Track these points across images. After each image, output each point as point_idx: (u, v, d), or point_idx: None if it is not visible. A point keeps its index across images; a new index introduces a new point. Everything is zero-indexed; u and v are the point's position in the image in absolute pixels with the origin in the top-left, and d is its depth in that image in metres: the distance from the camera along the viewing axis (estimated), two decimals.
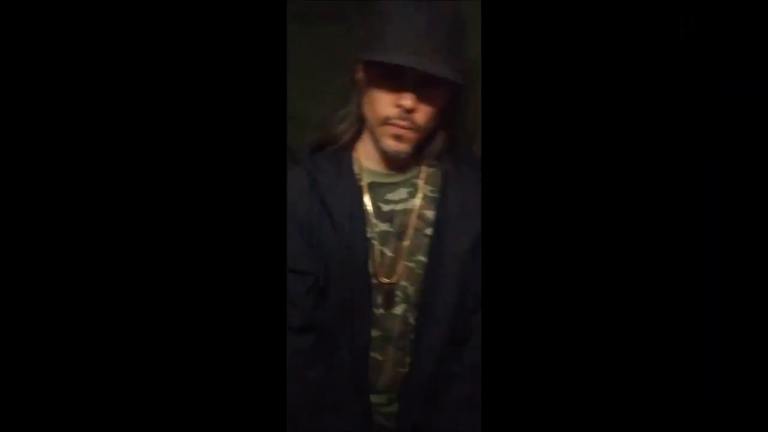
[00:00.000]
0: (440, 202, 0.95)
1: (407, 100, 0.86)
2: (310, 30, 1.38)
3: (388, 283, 0.92)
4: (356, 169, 0.97)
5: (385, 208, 0.95)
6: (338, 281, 0.92)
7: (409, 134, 0.90)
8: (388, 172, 0.96)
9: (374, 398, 0.95)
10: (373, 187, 0.96)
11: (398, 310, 0.93)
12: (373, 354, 0.93)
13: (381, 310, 0.93)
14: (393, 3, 0.87)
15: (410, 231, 0.94)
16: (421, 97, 0.87)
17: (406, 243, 0.93)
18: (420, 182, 0.96)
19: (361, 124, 0.96)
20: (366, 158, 0.97)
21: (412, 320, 0.93)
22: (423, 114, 0.89)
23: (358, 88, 0.94)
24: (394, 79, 0.86)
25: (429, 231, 0.94)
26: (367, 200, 0.95)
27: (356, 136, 0.97)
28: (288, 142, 0.90)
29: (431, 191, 0.96)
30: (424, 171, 0.97)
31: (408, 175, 0.97)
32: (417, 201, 0.95)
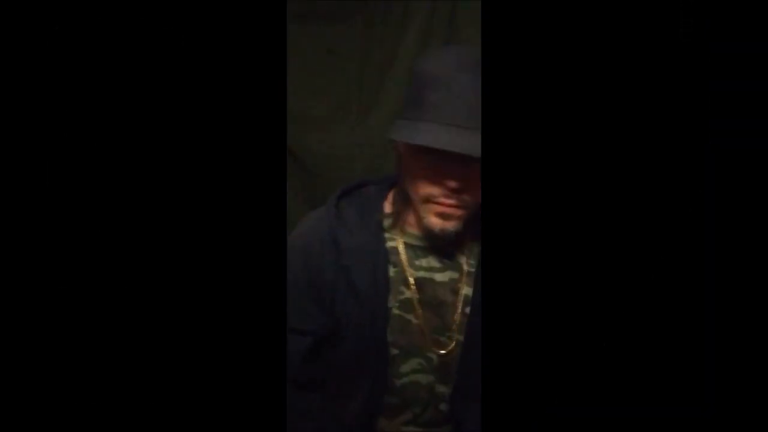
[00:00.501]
0: (477, 274, 0.85)
1: (452, 181, 0.76)
2: (310, 30, 1.39)
3: (442, 354, 0.84)
4: (386, 224, 0.86)
5: (415, 275, 0.84)
6: (351, 346, 0.84)
7: (458, 212, 0.79)
8: (428, 242, 0.85)
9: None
10: (406, 249, 0.85)
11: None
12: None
13: (405, 379, 0.85)
14: (434, 62, 0.76)
15: (440, 307, 0.85)
16: (471, 175, 0.75)
17: (435, 318, 0.84)
18: (456, 252, 0.86)
19: (404, 200, 0.84)
20: (404, 223, 0.86)
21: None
22: (473, 192, 0.78)
23: (398, 159, 0.83)
24: (435, 154, 0.74)
25: (467, 309, 0.85)
26: (396, 262, 0.84)
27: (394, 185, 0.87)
28: (288, 142, 0.90)
29: (470, 264, 0.85)
30: (466, 241, 0.85)
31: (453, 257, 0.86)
32: (453, 274, 0.85)
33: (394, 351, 0.84)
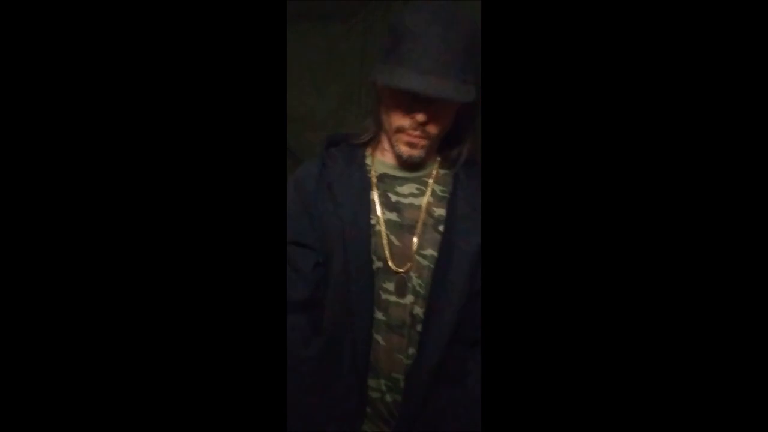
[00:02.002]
0: (450, 201, 0.98)
1: (419, 115, 0.91)
2: (310, 30, 1.38)
3: (399, 272, 0.95)
4: (369, 161, 1.01)
5: (393, 198, 0.98)
6: (341, 264, 0.94)
7: (422, 142, 0.95)
8: (401, 169, 1.01)
9: (372, 382, 0.95)
10: (383, 179, 1.00)
11: (407, 299, 0.95)
12: (375, 336, 0.95)
13: (391, 297, 0.95)
14: (408, 17, 0.90)
15: (419, 225, 0.97)
16: (434, 111, 0.92)
17: (415, 237, 0.96)
18: (430, 181, 1.00)
19: (379, 128, 1.01)
20: (381, 154, 1.02)
21: (419, 312, 0.94)
22: (436, 126, 0.94)
23: (377, 96, 0.99)
24: (407, 94, 0.89)
25: (440, 227, 0.97)
26: (375, 189, 0.99)
27: (374, 138, 1.02)
28: (288, 142, 0.91)
29: (441, 191, 1.00)
30: (436, 171, 1.01)
31: (419, 174, 1.01)
32: (426, 198, 0.99)
33: (378, 264, 0.96)
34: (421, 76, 0.87)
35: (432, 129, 0.94)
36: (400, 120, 0.93)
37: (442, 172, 1.01)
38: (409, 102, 0.91)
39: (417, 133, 0.93)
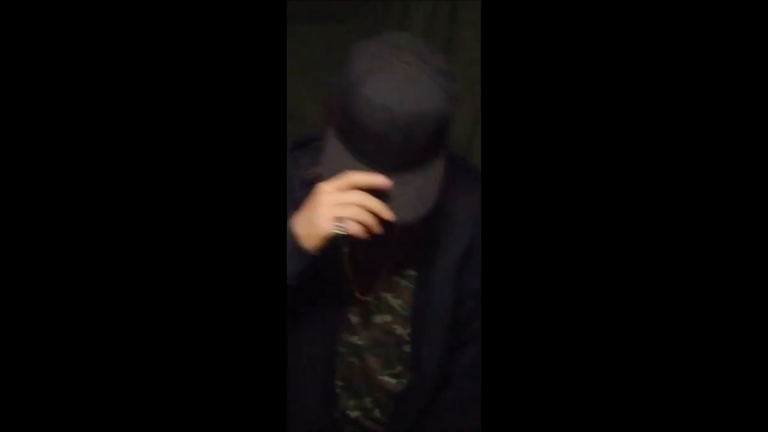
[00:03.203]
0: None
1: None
2: (310, 30, 1.38)
3: (362, 299, 0.89)
4: None
5: None
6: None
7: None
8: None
9: (353, 402, 0.93)
10: None
11: (378, 319, 0.90)
12: (350, 359, 0.91)
13: (357, 318, 0.91)
14: (366, 103, 0.72)
15: (390, 242, 0.86)
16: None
17: (386, 252, 0.88)
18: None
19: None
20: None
21: (400, 332, 0.90)
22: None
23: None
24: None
25: (408, 242, 0.88)
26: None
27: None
28: (288, 142, 0.90)
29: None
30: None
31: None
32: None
33: (345, 287, 0.89)
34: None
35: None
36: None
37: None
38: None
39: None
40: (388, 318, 0.91)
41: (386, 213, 0.73)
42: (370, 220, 0.73)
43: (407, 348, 0.91)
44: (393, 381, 0.92)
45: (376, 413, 0.94)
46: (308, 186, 0.81)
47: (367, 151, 0.74)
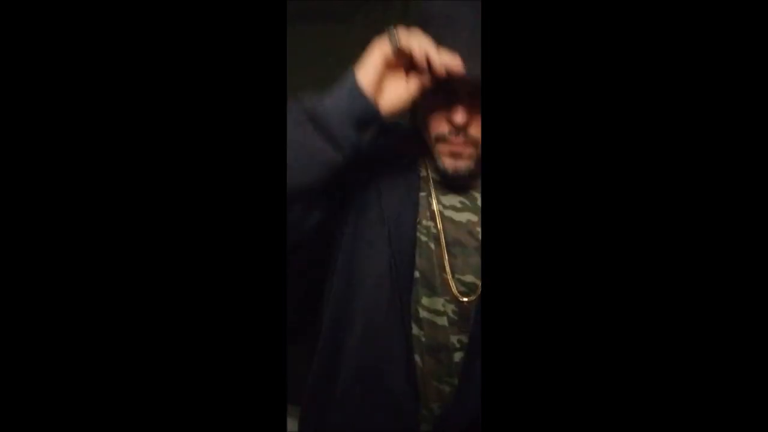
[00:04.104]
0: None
1: (458, 115, 0.77)
2: (310, 30, 1.38)
3: (459, 300, 0.84)
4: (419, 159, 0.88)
5: (435, 206, 0.86)
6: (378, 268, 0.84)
7: (468, 150, 0.80)
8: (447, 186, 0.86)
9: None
10: (430, 181, 0.87)
11: (443, 321, 0.85)
12: (414, 355, 0.85)
13: (426, 314, 0.85)
14: (432, 3, 0.78)
15: (457, 246, 0.85)
16: (475, 108, 0.78)
17: (453, 259, 0.85)
18: (479, 195, 0.86)
19: (418, 141, 0.86)
20: (430, 170, 0.87)
21: (455, 341, 0.85)
22: (480, 126, 0.78)
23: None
24: (443, 91, 0.77)
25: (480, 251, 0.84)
26: (421, 191, 0.86)
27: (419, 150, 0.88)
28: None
29: None
30: None
31: (468, 184, 0.87)
32: (468, 215, 0.86)
33: (416, 274, 0.84)
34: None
35: (477, 131, 0.79)
36: (438, 126, 0.80)
37: None
38: (445, 99, 0.78)
39: (460, 139, 0.79)
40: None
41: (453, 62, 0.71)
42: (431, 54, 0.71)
43: (457, 357, 0.85)
44: (449, 391, 0.85)
45: (422, 428, 0.87)
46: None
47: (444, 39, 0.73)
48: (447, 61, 0.71)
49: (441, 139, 0.80)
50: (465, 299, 0.83)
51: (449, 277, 0.84)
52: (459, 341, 0.85)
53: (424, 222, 0.86)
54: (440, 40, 0.74)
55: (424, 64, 0.72)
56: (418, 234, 0.85)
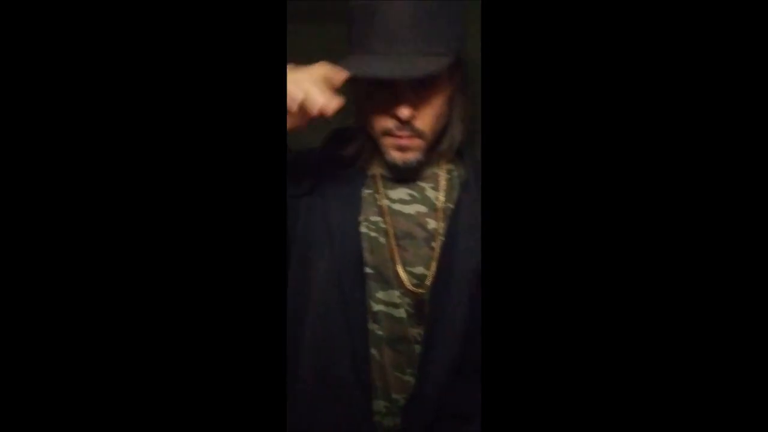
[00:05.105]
0: (453, 213, 0.86)
1: (403, 110, 0.78)
2: (310, 30, 1.38)
3: (414, 291, 0.84)
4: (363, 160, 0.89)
5: (383, 202, 0.87)
6: (326, 268, 0.85)
7: (415, 142, 0.82)
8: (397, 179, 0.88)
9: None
10: (376, 179, 0.89)
11: (401, 313, 0.86)
12: (372, 349, 0.86)
13: (383, 307, 0.86)
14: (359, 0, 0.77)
15: (406, 239, 0.86)
16: (419, 101, 0.79)
17: (403, 252, 0.86)
18: (427, 187, 0.88)
19: (365, 135, 0.87)
20: (377, 167, 0.89)
21: (415, 333, 0.86)
22: (425, 119, 0.81)
23: (353, 100, 0.85)
24: (385, 87, 0.78)
25: (433, 243, 0.86)
26: (366, 189, 0.88)
27: (364, 147, 0.89)
28: (288, 142, 0.90)
29: (440, 199, 0.87)
30: (437, 175, 0.88)
31: (417, 178, 0.89)
32: (417, 207, 0.87)
33: (368, 270, 0.85)
34: (394, 57, 0.74)
35: (422, 124, 0.81)
36: (383, 121, 0.81)
37: (446, 176, 0.88)
38: (385, 96, 0.79)
39: (406, 132, 0.80)
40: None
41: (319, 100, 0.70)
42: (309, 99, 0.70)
43: (418, 349, 0.86)
44: (409, 381, 0.86)
45: (386, 421, 0.88)
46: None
47: (363, 39, 0.75)
48: (321, 103, 0.71)
49: (387, 133, 0.81)
50: (419, 290, 0.84)
51: (401, 269, 0.85)
52: (418, 333, 0.86)
53: (372, 218, 0.86)
54: (374, 38, 0.75)
55: (294, 110, 0.73)
56: (366, 230, 0.86)
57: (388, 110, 0.80)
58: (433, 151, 0.87)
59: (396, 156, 0.82)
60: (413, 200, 0.88)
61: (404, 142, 0.81)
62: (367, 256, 0.86)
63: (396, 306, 0.87)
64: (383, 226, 0.86)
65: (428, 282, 0.86)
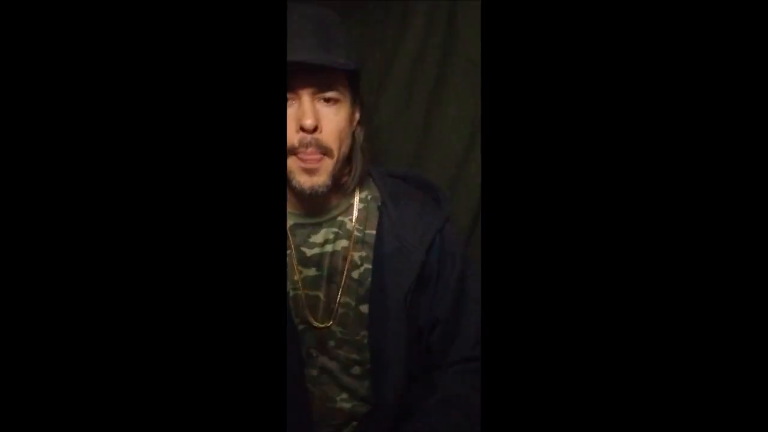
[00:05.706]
0: (376, 240, 0.87)
1: (306, 120, 0.79)
2: None
3: (320, 327, 0.88)
4: None
5: (308, 252, 0.88)
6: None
7: (323, 163, 0.81)
8: (310, 215, 0.88)
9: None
10: (294, 231, 0.88)
11: (334, 353, 0.89)
12: (311, 388, 0.89)
13: (315, 353, 0.89)
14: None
15: (338, 275, 0.88)
16: (322, 115, 0.80)
17: (335, 287, 0.88)
18: (347, 220, 0.89)
19: None
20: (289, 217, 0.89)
21: (348, 356, 0.89)
22: (330, 132, 0.81)
23: None
24: (291, 100, 0.80)
25: (355, 274, 0.88)
26: (287, 247, 0.87)
27: None
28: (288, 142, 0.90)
29: (361, 229, 0.89)
30: (352, 207, 0.89)
31: (333, 214, 0.89)
32: (342, 242, 0.88)
33: (301, 326, 0.87)
34: (306, 50, 0.76)
35: (326, 139, 0.81)
36: (289, 139, 0.79)
37: (360, 206, 0.89)
38: (292, 111, 0.79)
39: (311, 149, 0.80)
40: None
41: None
42: None
43: (357, 371, 0.89)
44: (347, 407, 0.90)
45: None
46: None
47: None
48: None
49: (292, 152, 0.80)
50: (321, 326, 0.87)
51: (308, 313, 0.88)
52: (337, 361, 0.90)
53: (296, 272, 0.87)
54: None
55: None
56: (292, 289, 0.87)
57: (293, 125, 0.80)
58: (340, 183, 0.87)
59: (303, 181, 0.82)
60: (337, 237, 0.89)
61: (310, 163, 0.80)
62: (300, 313, 0.88)
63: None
64: (317, 273, 0.88)
65: (350, 313, 0.89)
